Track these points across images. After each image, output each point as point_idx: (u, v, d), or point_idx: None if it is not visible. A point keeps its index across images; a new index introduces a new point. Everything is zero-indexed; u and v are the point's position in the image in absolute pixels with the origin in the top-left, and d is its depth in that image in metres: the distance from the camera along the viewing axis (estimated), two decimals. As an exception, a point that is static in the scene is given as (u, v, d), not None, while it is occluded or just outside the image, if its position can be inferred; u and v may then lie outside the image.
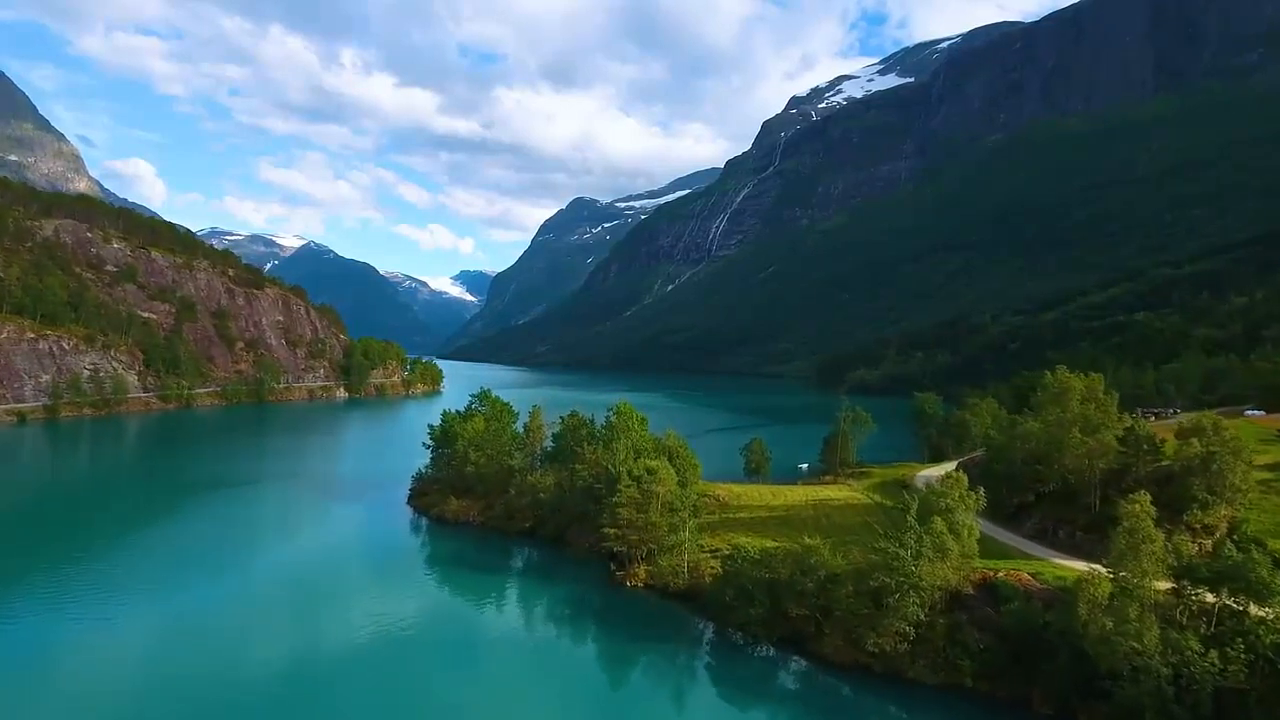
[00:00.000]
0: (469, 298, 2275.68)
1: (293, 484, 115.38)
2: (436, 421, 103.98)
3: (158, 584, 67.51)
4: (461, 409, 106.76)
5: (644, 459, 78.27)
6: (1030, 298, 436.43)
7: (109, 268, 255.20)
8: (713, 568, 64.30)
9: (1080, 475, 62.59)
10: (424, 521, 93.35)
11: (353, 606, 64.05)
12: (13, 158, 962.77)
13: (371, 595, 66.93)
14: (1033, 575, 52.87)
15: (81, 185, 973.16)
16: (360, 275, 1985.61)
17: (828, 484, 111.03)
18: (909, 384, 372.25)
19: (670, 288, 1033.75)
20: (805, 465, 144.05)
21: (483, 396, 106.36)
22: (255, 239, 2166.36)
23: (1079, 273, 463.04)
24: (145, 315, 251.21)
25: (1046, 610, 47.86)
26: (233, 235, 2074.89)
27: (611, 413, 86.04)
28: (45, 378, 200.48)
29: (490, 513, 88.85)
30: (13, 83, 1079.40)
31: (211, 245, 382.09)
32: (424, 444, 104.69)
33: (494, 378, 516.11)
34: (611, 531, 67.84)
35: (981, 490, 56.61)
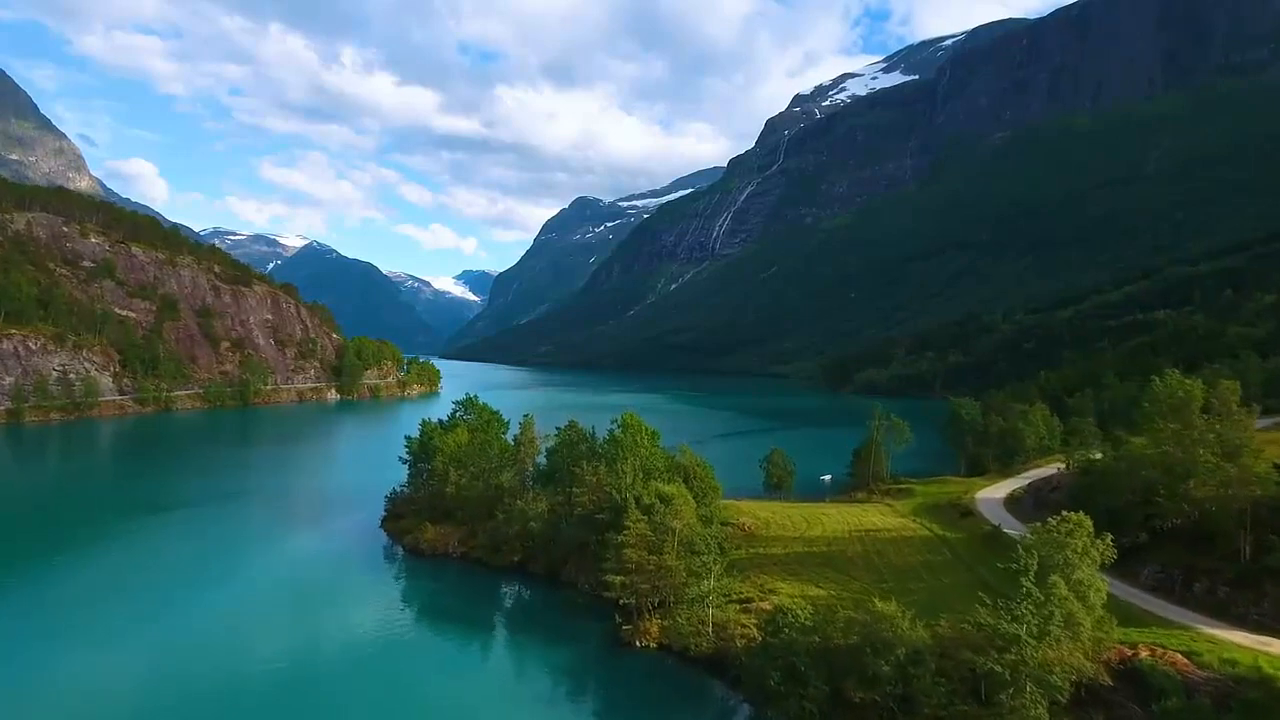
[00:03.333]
0: (472, 297, 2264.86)
1: (253, 503, 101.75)
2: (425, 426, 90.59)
3: (40, 643, 54.16)
4: (444, 417, 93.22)
5: (655, 482, 64.93)
6: (1040, 296, 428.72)
7: (85, 263, 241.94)
8: (744, 626, 50.86)
9: (1218, 511, 48.96)
10: (398, 550, 79.84)
11: (290, 673, 50.65)
12: (13, 157, 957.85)
13: (317, 655, 53.55)
14: (1186, 655, 39.35)
15: (83, 184, 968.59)
16: (363, 275, 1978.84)
17: (860, 502, 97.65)
18: (919, 384, 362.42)
19: (673, 287, 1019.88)
20: (829, 476, 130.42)
21: (468, 403, 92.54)
22: (258, 239, 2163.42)
23: (1089, 271, 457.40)
24: (123, 313, 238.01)
25: (1222, 713, 34.46)
26: (235, 235, 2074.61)
27: (616, 424, 72.08)
28: (9, 380, 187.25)
29: (473, 542, 75.04)
30: (14, 82, 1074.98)
31: (214, 244, 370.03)
32: (400, 458, 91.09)
33: (494, 378, 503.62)
34: (617, 579, 54.18)
35: (1110, 538, 42.89)
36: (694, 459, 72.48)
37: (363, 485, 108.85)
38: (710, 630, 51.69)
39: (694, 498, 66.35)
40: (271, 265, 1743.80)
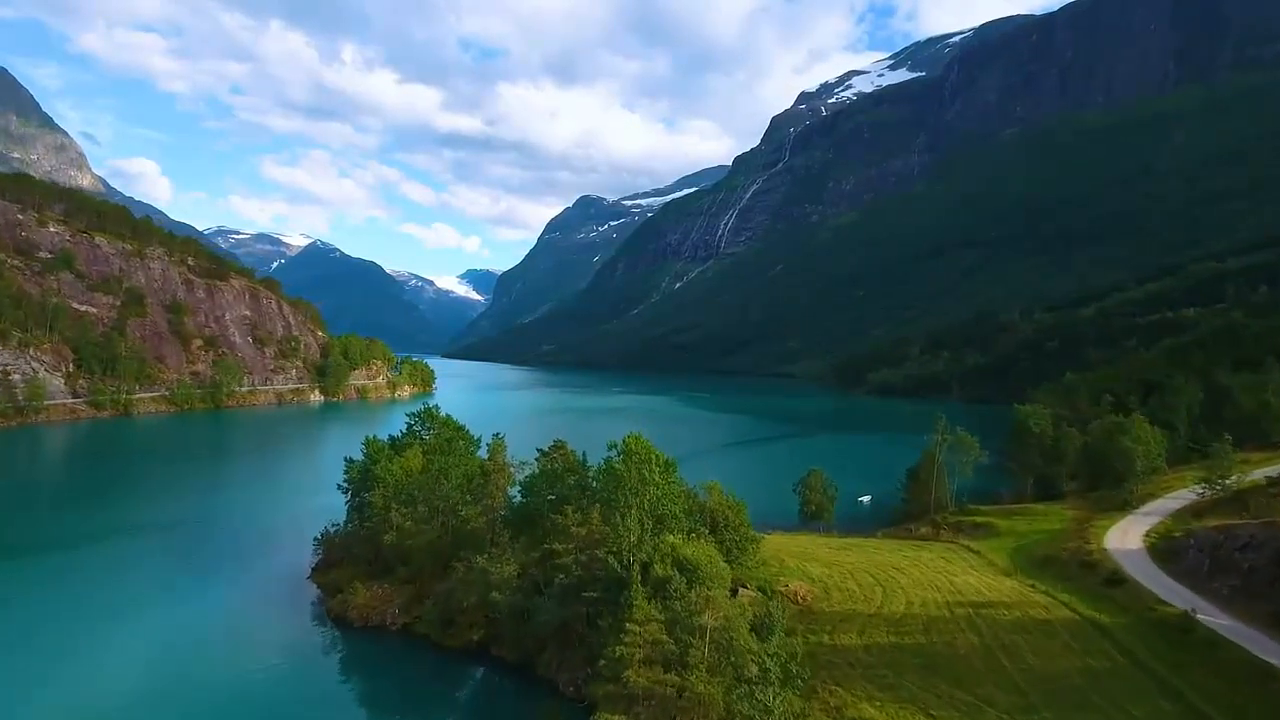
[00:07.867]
0: (475, 296, 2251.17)
1: (167, 537, 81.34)
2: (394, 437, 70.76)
3: None
4: (396, 433, 72.90)
5: (671, 535, 44.70)
6: (1053, 295, 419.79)
7: (42, 254, 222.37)
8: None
9: None
10: (324, 615, 59.48)
11: None
12: (15, 155, 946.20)
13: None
14: None
15: (85, 182, 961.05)
16: (366, 274, 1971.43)
17: (925, 539, 77.42)
18: (935, 386, 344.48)
19: (678, 286, 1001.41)
20: (868, 498, 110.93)
21: (427, 415, 71.98)
22: (261, 238, 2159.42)
23: (1105, 269, 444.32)
24: (82, 308, 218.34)
25: None
26: (239, 234, 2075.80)
27: (617, 451, 51.21)
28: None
29: (419, 609, 54.62)
30: (16, 80, 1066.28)
31: (217, 244, 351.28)
32: (339, 486, 70.75)
33: (495, 378, 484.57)
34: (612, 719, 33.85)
35: None
36: (724, 500, 52.10)
37: (312, 511, 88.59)
38: (768, 807, 31.46)
39: (724, 556, 46.30)
40: (275, 264, 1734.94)
